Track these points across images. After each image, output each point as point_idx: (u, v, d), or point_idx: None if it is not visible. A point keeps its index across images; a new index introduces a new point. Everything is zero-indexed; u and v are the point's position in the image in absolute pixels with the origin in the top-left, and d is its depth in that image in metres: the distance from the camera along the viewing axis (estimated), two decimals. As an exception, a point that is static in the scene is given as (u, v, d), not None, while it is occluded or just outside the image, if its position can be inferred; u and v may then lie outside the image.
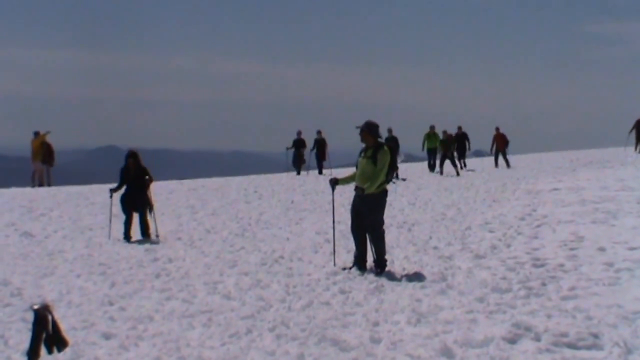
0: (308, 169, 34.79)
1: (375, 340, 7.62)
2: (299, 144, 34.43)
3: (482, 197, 21.61)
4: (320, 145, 33.96)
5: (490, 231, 14.80)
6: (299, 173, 34.18)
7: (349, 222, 11.85)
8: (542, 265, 11.16)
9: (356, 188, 11.50)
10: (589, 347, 7.18)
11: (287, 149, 34.61)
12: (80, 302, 9.72)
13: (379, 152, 11.40)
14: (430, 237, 14.42)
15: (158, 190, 26.74)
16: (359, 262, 11.49)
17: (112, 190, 16.19)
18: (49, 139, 30.24)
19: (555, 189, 22.02)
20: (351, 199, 11.84)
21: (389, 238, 14.17)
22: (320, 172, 33.89)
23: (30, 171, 30.44)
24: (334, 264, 11.86)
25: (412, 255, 12.64)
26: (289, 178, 31.72)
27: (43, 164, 29.98)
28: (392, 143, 29.16)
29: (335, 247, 12.39)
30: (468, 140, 34.75)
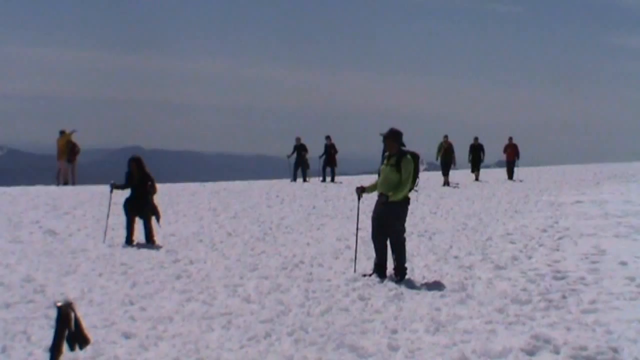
0: (311, 175, 34.06)
1: (394, 348, 7.63)
2: (300, 149, 33.58)
3: (504, 207, 21.56)
4: (330, 151, 33.36)
5: (512, 242, 14.77)
6: (305, 180, 33.35)
7: (370, 229, 11.84)
8: (562, 278, 11.13)
9: (380, 195, 11.50)
10: (608, 361, 7.15)
11: (288, 156, 33.77)
12: (102, 301, 9.79)
13: (403, 161, 11.39)
14: (451, 247, 14.41)
15: (180, 192, 26.92)
16: (379, 269, 11.47)
17: (114, 185, 15.86)
18: (75, 138, 30.48)
19: (578, 202, 21.95)
20: (372, 206, 11.86)
21: (410, 246, 14.17)
22: (327, 179, 33.26)
23: (55, 170, 30.69)
24: (355, 271, 11.87)
25: (432, 264, 12.63)
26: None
27: (68, 163, 30.22)
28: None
29: (357, 254, 12.39)
30: (483, 151, 34.22)
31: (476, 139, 34.34)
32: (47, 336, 7.82)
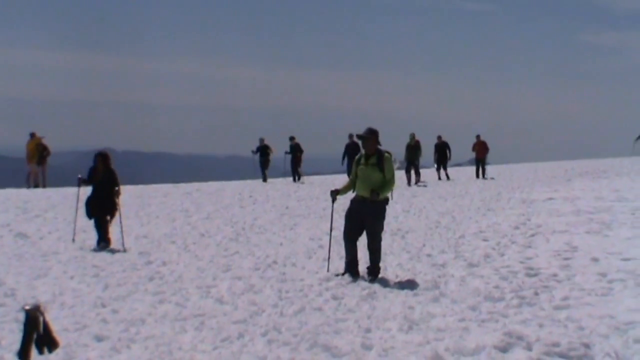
0: (279, 175, 34.11)
1: (367, 347, 7.62)
2: (263, 150, 33.56)
3: (476, 205, 21.64)
4: (295, 151, 33.38)
5: (484, 240, 14.82)
6: (265, 180, 33.28)
7: (342, 228, 11.80)
8: (535, 275, 11.17)
9: (361, 196, 11.44)
10: (580, 357, 7.18)
11: (253, 152, 33.78)
12: (73, 304, 9.71)
13: (385, 160, 11.41)
14: (424, 245, 14.44)
15: (152, 193, 26.80)
16: (352, 268, 11.48)
17: (81, 180, 15.39)
18: (45, 140, 30.31)
19: (550, 199, 22.07)
20: (345, 206, 11.86)
21: (383, 245, 14.15)
22: (295, 179, 33.25)
23: (26, 172, 30.48)
24: (328, 270, 11.86)
25: (405, 262, 12.65)
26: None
27: (38, 166, 30.03)
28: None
29: (330, 254, 12.36)
30: (449, 149, 33.82)
31: (439, 137, 33.91)
32: (18, 340, 7.72)
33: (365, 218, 11.39)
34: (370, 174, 11.39)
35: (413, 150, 31.30)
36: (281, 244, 14.98)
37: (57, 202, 23.06)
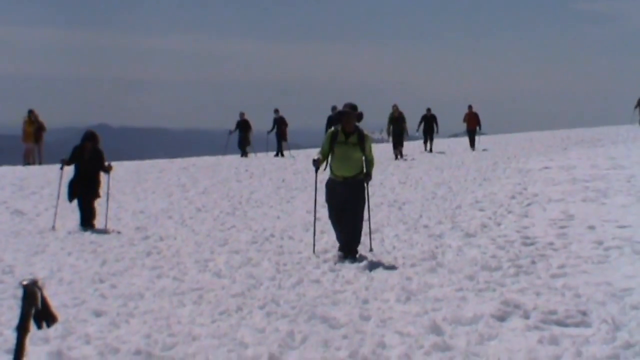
0: (256, 150, 33.95)
1: (365, 318, 7.65)
2: (243, 125, 33.43)
3: (472, 175, 21.64)
4: (280, 124, 33.17)
5: (481, 210, 14.84)
6: (243, 155, 33.13)
7: (327, 213, 11.29)
8: (532, 244, 11.20)
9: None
10: (577, 325, 7.21)
11: (230, 132, 33.64)
12: (72, 280, 9.73)
13: (366, 138, 10.94)
14: (421, 216, 14.45)
15: (149, 169, 26.79)
16: (349, 247, 10.97)
17: (64, 161, 14.61)
18: (41, 117, 30.23)
19: (546, 168, 22.08)
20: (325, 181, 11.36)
21: (380, 216, 14.23)
22: (279, 154, 33.01)
23: (22, 150, 30.42)
24: (314, 251, 11.28)
25: (402, 233, 12.67)
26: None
27: (34, 143, 29.96)
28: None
29: (315, 229, 11.88)
30: (436, 122, 33.46)
31: (429, 109, 33.63)
32: (17, 316, 7.74)
33: (347, 198, 10.86)
34: (351, 153, 10.85)
35: (397, 122, 30.70)
36: (278, 217, 15.00)
37: (53, 179, 22.99)
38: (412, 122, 32.45)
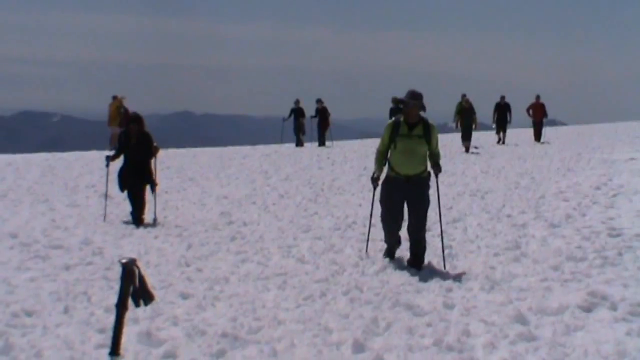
0: (310, 140, 33.29)
1: (449, 306, 7.66)
2: (297, 113, 32.91)
3: (556, 166, 21.38)
4: (322, 114, 32.67)
5: (565, 200, 14.66)
6: (298, 144, 32.63)
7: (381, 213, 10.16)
8: (618, 235, 11.04)
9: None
10: (666, 317, 7.11)
11: (284, 119, 33.12)
12: (158, 263, 9.92)
13: (432, 130, 9.61)
14: (504, 205, 14.34)
15: (232, 155, 27.11)
16: (392, 255, 10.19)
17: (109, 158, 13.76)
18: (126, 103, 30.76)
19: (632, 159, 21.67)
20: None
21: (462, 205, 14.19)
22: (322, 144, 32.49)
23: (108, 135, 31.02)
24: (366, 251, 10.50)
25: (485, 222, 12.60)
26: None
27: (120, 128, 30.54)
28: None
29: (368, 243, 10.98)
30: (510, 111, 31.76)
31: (503, 97, 31.80)
32: (107, 297, 7.98)
33: (410, 199, 9.69)
34: (415, 146, 9.54)
35: (467, 113, 28.56)
36: (360, 205, 15.02)
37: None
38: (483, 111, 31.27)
